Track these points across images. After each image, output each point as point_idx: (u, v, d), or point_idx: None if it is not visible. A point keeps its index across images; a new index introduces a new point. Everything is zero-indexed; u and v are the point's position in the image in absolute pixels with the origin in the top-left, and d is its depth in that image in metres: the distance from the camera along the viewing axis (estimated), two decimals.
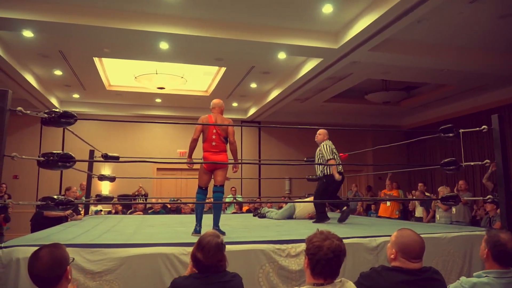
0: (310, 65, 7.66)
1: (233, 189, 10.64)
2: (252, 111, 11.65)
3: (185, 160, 4.35)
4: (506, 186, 3.99)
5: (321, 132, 5.52)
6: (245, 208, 9.62)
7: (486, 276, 2.18)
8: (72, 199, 3.25)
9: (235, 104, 11.49)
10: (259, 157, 12.51)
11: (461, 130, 4.27)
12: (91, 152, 6.22)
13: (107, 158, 6.11)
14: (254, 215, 6.66)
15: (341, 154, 8.73)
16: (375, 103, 10.74)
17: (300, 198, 8.29)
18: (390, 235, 3.56)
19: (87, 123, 11.51)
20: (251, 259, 3.11)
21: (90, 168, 6.40)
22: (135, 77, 8.83)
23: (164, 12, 6.01)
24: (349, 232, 3.98)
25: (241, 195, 11.67)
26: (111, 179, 6.82)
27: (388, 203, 8.76)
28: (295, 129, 12.15)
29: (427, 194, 8.74)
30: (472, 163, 4.44)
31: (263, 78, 9.15)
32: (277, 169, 12.48)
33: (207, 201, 4.37)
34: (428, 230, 4.13)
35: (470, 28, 6.28)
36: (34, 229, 5.45)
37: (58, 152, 3.17)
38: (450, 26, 6.23)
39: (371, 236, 3.54)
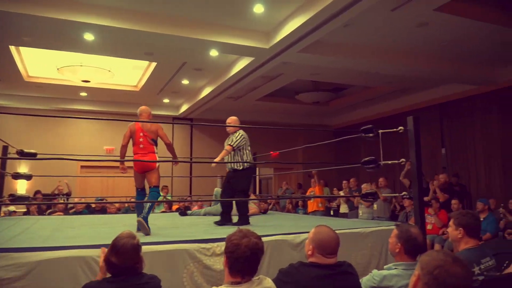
0: (242, 63, 7.69)
1: (165, 188, 10.40)
2: (184, 107, 11.46)
3: (112, 158, 4.56)
4: (419, 183, 4.28)
5: (231, 121, 5.01)
6: (174, 207, 9.44)
7: (395, 268, 2.31)
8: None
9: (166, 101, 11.23)
10: (191, 155, 12.35)
11: (380, 131, 4.51)
12: (4, 148, 5.77)
13: (22, 155, 5.67)
14: (179, 214, 6.61)
15: (272, 152, 8.91)
16: (305, 103, 11.04)
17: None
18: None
19: (5, 116, 10.64)
20: (175, 259, 3.06)
21: (3, 166, 5.91)
22: (58, 69, 8.30)
23: (90, 1, 5.69)
24: (274, 229, 4.05)
25: (171, 194, 11.45)
26: (27, 177, 6.33)
27: (312, 200, 9.07)
28: (227, 127, 12.09)
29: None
30: (389, 162, 4.72)
31: (195, 75, 9.03)
32: (209, 167, 12.33)
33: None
34: (349, 225, 4.32)
35: (393, 33, 6.65)
36: None
37: None
38: (375, 31, 6.55)
39: (295, 233, 3.63)
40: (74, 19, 5.75)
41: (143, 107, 4.42)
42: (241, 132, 4.88)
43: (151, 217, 4.39)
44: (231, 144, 4.73)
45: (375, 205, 7.67)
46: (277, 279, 2.11)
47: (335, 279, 2.11)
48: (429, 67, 7.92)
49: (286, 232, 3.67)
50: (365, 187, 7.98)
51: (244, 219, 4.73)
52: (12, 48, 7.54)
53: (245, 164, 4.77)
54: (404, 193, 4.74)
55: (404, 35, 6.73)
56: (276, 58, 7.07)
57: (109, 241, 2.62)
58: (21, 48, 7.77)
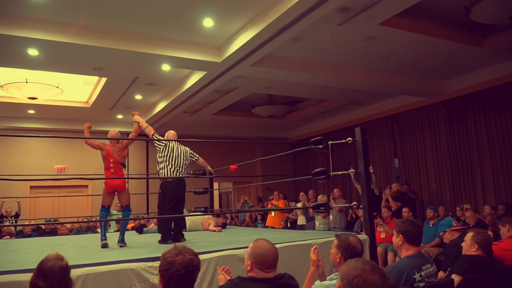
0: (195, 77, 7.64)
1: (118, 205, 10.07)
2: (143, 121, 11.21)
3: (59, 177, 4.78)
4: (368, 192, 4.38)
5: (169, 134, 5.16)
6: (130, 225, 9.15)
7: (336, 278, 2.31)
8: None
9: (120, 116, 10.96)
10: (147, 171, 12.08)
11: (329, 142, 4.59)
12: None
13: None
14: (136, 231, 6.52)
15: (231, 166, 8.88)
16: (262, 116, 11.12)
17: (188, 212, 8.21)
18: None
19: None
20: (120, 279, 2.97)
21: None
22: (1, 86, 7.92)
23: (33, 15, 5.47)
24: (226, 244, 4.00)
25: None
26: None
27: (273, 213, 9.07)
28: (183, 142, 11.98)
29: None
30: (339, 173, 4.81)
31: (148, 90, 8.89)
32: None
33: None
34: (301, 237, 4.34)
35: (342, 47, 6.82)
36: None
37: None
38: (324, 45, 6.69)
39: (245, 247, 3.59)
40: (16, 34, 5.52)
41: (113, 132, 4.72)
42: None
43: (108, 236, 4.60)
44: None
45: (331, 216, 7.77)
46: None
47: None
48: (378, 80, 8.18)
49: (236, 247, 3.63)
50: (321, 198, 8.08)
51: (163, 237, 4.68)
52: None
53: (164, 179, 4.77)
54: (354, 203, 4.84)
55: (352, 49, 6.92)
56: (229, 71, 7.08)
57: None
58: None
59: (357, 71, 7.94)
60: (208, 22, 5.77)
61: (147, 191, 11.72)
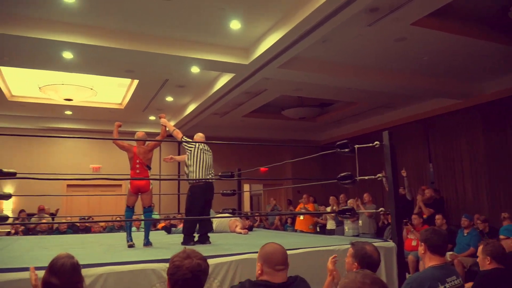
0: (224, 79, 7.69)
1: (152, 205, 10.26)
2: (171, 123, 11.41)
3: (96, 176, 4.89)
4: (395, 198, 4.24)
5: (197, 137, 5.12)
6: (160, 225, 9.31)
7: None
8: None
9: (152, 118, 11.19)
10: (179, 172, 12.25)
11: (356, 146, 4.49)
12: None
13: (1, 174, 5.58)
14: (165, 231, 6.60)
15: (261, 168, 8.87)
16: (292, 119, 11.05)
17: (217, 213, 8.29)
18: (290, 249, 3.64)
19: None
20: (141, 279, 2.99)
21: None
22: (40, 88, 8.26)
23: (68, 19, 5.68)
24: (249, 247, 3.97)
25: (159, 212, 11.32)
26: (6, 196, 6.24)
27: (302, 217, 8.98)
28: (214, 144, 12.08)
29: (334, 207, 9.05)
30: (366, 177, 4.69)
31: (178, 92, 9.02)
32: None
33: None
34: (326, 242, 4.25)
35: (371, 49, 6.67)
36: None
37: None
38: (352, 47, 6.57)
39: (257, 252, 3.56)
40: (52, 38, 5.75)
41: (140, 133, 4.82)
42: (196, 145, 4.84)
43: (135, 236, 4.72)
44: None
45: (360, 221, 7.61)
46: None
47: None
48: (409, 83, 7.95)
49: (256, 251, 3.59)
50: (351, 203, 7.94)
51: (185, 239, 4.66)
52: None
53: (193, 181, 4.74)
54: (381, 209, 4.70)
55: (382, 51, 6.76)
56: (257, 74, 7.08)
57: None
58: (2, 67, 7.73)
59: (387, 73, 7.74)
60: (235, 25, 5.79)
61: (178, 191, 11.90)
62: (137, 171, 4.68)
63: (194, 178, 4.68)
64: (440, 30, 6.03)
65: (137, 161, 4.67)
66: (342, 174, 4.47)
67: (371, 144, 4.44)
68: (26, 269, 2.80)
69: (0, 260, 3.48)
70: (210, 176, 4.82)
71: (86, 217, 9.74)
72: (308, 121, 11.75)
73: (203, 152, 4.82)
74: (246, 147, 12.57)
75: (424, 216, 7.33)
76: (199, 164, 4.73)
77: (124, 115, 10.61)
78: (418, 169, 10.27)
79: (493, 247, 3.03)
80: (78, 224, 9.18)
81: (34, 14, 5.54)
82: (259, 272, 2.14)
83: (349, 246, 3.89)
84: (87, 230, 9.06)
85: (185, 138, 4.90)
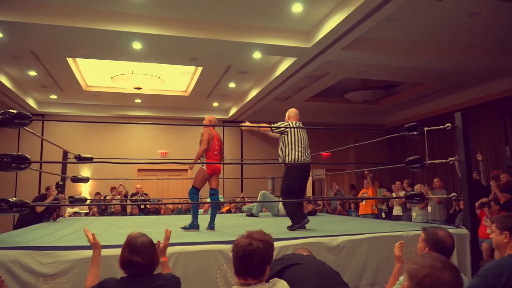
0: (286, 64, 7.66)
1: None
2: (233, 110, 11.62)
3: (165, 161, 4.82)
4: (469, 184, 4.02)
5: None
6: (225, 208, 9.58)
7: None
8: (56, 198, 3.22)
9: (215, 104, 11.45)
10: (241, 156, 12.48)
11: (425, 128, 4.29)
12: (65, 154, 6.14)
13: (80, 159, 6.03)
14: (247, 215, 6.71)
15: (323, 153, 8.77)
16: (355, 102, 10.77)
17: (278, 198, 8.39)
18: (352, 234, 3.60)
19: (66, 123, 11.44)
20: (208, 260, 3.10)
21: (64, 170, 6.31)
22: (111, 78, 8.75)
23: (135, 11, 5.95)
24: (311, 231, 3.98)
25: (223, 195, 11.63)
26: (85, 180, 6.74)
27: (364, 202, 8.79)
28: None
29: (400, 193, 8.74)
30: (436, 161, 4.48)
31: (240, 78, 9.13)
32: (260, 169, 12.46)
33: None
34: (392, 228, 4.15)
35: (440, 26, 6.30)
36: (17, 226, 5.71)
37: (12, 153, 3.14)
38: (421, 24, 6.25)
39: (331, 236, 3.54)
40: (122, 29, 6.05)
41: (212, 117, 4.80)
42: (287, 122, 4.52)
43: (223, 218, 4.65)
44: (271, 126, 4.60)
45: (429, 207, 7.30)
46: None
47: None
48: (483, 60, 7.42)
49: (322, 235, 3.59)
50: (418, 188, 7.61)
51: (294, 220, 4.35)
52: (70, 60, 8.05)
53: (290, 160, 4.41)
54: (453, 194, 4.47)
55: (454, 27, 6.35)
56: (319, 57, 6.96)
57: None
58: (78, 59, 8.28)
59: (458, 51, 7.27)
60: (297, 8, 5.72)
61: (241, 175, 12.13)
62: (215, 152, 4.62)
63: (293, 158, 4.40)
64: None
65: (216, 142, 4.63)
66: (410, 158, 4.30)
67: (442, 126, 4.23)
68: (107, 246, 3.03)
69: (79, 239, 3.75)
70: (307, 156, 4.54)
71: (155, 200, 10.24)
72: (371, 104, 11.39)
73: (300, 131, 4.53)
74: (308, 132, 12.47)
75: (501, 202, 6.88)
76: (299, 143, 4.46)
77: (189, 102, 10.95)
78: (493, 152, 9.61)
79: None
80: (148, 206, 9.68)
81: (107, 8, 5.86)
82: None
83: (416, 231, 3.81)
84: (156, 212, 9.53)
85: (275, 125, 4.60)
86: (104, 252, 2.91)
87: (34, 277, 2.79)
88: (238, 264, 1.82)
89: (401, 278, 2.25)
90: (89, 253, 2.90)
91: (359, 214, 9.14)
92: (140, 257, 2.05)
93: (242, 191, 12.22)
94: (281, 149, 4.53)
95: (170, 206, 10.17)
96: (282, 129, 4.48)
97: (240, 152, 12.73)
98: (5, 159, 3.11)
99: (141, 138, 12.09)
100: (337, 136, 12.81)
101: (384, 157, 13.14)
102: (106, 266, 2.84)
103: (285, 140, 4.49)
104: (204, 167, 4.58)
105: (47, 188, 6.21)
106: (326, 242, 3.45)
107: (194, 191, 4.60)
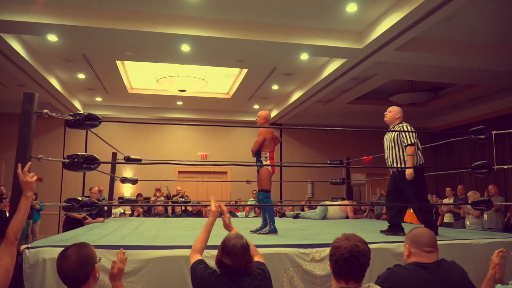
0: (334, 65, 7.53)
1: (254, 192, 10.54)
2: (274, 113, 11.55)
3: (205, 163, 4.61)
4: None
5: (392, 110, 4.35)
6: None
7: None
8: (96, 200, 3.29)
9: (256, 106, 11.42)
10: (281, 159, 12.38)
11: (493, 132, 4.08)
12: (114, 155, 6.23)
13: (129, 160, 6.11)
14: (294, 218, 6.66)
15: (365, 157, 8.55)
16: (401, 104, 10.45)
17: (322, 202, 8.27)
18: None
19: (109, 126, 11.68)
20: (274, 263, 3.05)
21: (113, 170, 6.41)
22: (157, 80, 8.86)
23: (185, 14, 5.99)
24: (376, 237, 3.85)
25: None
26: (133, 181, 6.83)
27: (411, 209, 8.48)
28: (317, 131, 12.00)
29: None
30: (505, 166, 4.25)
31: (285, 80, 9.05)
32: (299, 172, 12.34)
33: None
34: (459, 235, 3.97)
35: (503, 24, 6.03)
36: (64, 230, 5.75)
37: (83, 154, 3.20)
38: (481, 23, 5.99)
39: (397, 242, 3.42)
40: (172, 32, 6.09)
41: (268, 114, 4.52)
42: (406, 124, 4.24)
43: (246, 221, 4.50)
44: (410, 143, 4.12)
45: (485, 215, 6.97)
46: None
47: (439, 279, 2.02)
48: None
49: (387, 241, 3.47)
50: (472, 195, 7.28)
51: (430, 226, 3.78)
52: (118, 63, 8.21)
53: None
54: None
55: None
56: (370, 58, 6.80)
57: (210, 243, 2.70)
58: (125, 62, 8.43)
59: None
60: (351, 7, 5.60)
61: (281, 179, 12.04)
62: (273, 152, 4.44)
63: (418, 160, 4.18)
64: None
65: (274, 141, 4.48)
66: (477, 163, 4.08)
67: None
68: (170, 247, 3.02)
69: (142, 238, 3.77)
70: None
71: (197, 202, 10.29)
72: (418, 107, 11.06)
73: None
74: (350, 135, 12.28)
75: None
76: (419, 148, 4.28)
77: (230, 104, 10.97)
78: None
79: None
80: (190, 208, 9.73)
81: (156, 11, 5.91)
82: (407, 254, 2.16)
83: (488, 239, 3.61)
84: (199, 214, 9.56)
85: (410, 140, 4.18)
86: (172, 252, 2.92)
87: (106, 275, 2.79)
88: (342, 266, 1.76)
89: (497, 286, 2.12)
90: (159, 253, 2.92)
91: (404, 221, 8.83)
92: (230, 260, 2.05)
93: (281, 195, 12.12)
94: (399, 153, 4.25)
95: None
96: (410, 136, 4.17)
97: (280, 155, 12.64)
98: (76, 160, 3.16)
99: (181, 141, 12.21)
100: (380, 140, 12.47)
101: (429, 161, 12.73)
102: (175, 267, 2.86)
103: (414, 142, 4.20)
104: (269, 167, 4.30)
105: (90, 189, 6.35)
106: (393, 248, 3.38)
107: (267, 194, 4.29)
